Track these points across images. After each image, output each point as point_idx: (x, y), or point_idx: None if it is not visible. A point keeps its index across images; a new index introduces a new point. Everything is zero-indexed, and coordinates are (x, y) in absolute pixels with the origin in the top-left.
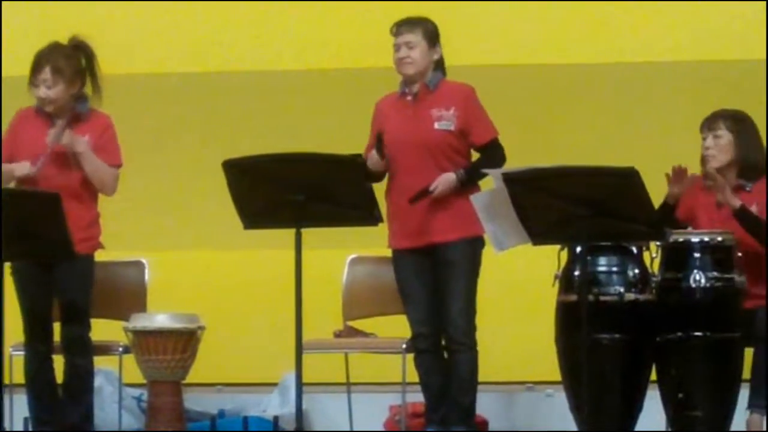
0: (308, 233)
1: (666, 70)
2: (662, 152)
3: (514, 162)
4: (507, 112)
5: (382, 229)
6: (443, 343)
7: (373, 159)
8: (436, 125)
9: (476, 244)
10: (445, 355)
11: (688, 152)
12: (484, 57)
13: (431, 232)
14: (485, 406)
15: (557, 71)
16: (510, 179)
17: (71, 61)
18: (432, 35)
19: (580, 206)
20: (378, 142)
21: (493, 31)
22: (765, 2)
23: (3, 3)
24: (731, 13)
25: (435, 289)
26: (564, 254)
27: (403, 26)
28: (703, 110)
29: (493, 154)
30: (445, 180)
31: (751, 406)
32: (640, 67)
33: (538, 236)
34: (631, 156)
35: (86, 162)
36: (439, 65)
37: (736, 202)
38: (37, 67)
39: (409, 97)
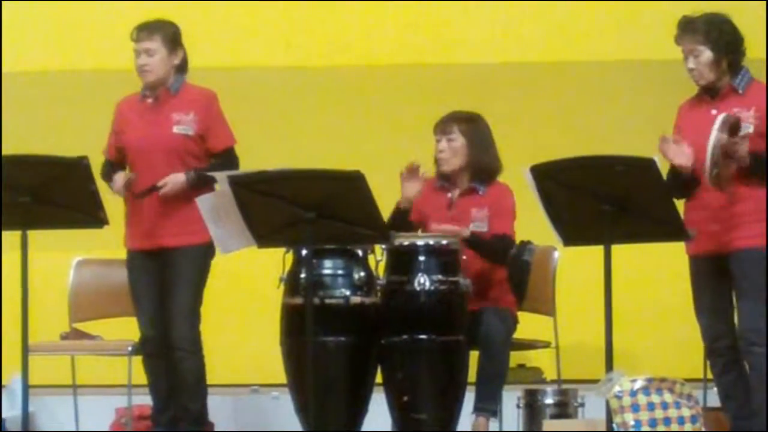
0: (34, 235)
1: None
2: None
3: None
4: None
5: (108, 231)
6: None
7: (119, 190)
8: (175, 129)
9: (204, 250)
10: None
11: None
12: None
13: (162, 235)
14: (211, 409)
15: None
16: (235, 182)
17: None
18: (172, 40)
19: (306, 209)
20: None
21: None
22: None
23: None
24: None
25: (163, 293)
26: (289, 257)
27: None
28: None
29: (227, 160)
30: (173, 179)
31: (477, 409)
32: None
33: (264, 239)
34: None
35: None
36: (182, 68)
37: (465, 233)
38: None
39: (150, 100)
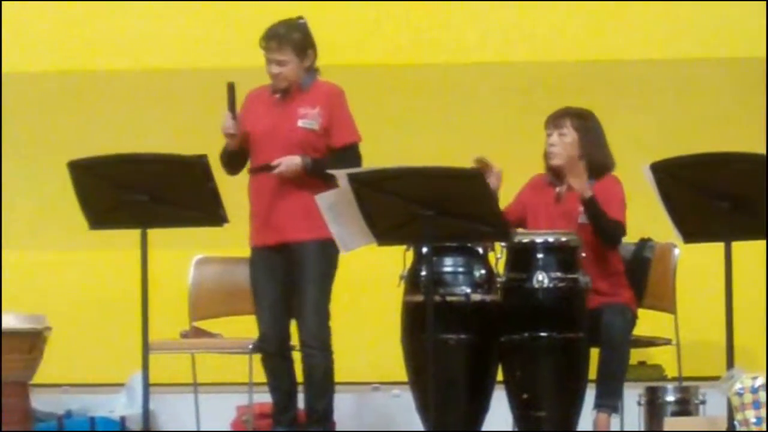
0: (154, 233)
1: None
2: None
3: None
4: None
5: (228, 230)
6: (298, 345)
7: (227, 122)
8: (300, 123)
9: (332, 244)
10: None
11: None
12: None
13: (287, 231)
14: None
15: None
16: (355, 179)
17: None
18: (302, 47)
19: (425, 206)
20: (229, 92)
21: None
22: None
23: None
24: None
25: (287, 290)
26: (409, 254)
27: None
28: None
29: (347, 156)
30: (289, 160)
31: (598, 405)
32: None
33: (384, 237)
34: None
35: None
36: (313, 66)
37: (588, 192)
38: None
39: (277, 94)
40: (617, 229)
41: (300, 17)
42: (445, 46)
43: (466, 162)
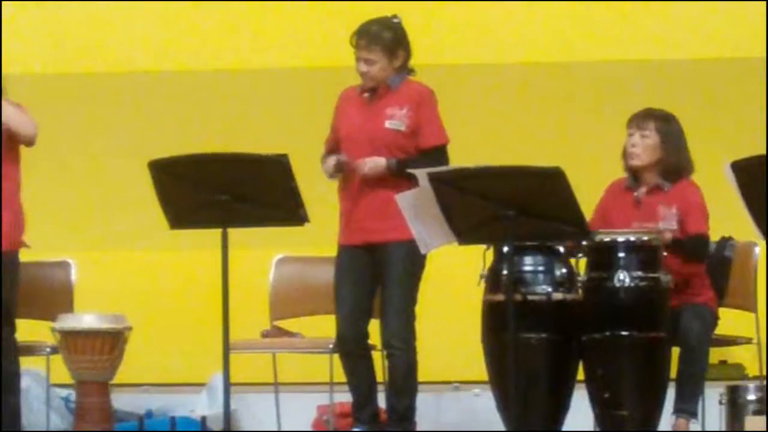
0: (234, 233)
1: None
2: None
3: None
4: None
5: (309, 229)
6: (380, 344)
7: (329, 169)
8: (387, 123)
9: (417, 246)
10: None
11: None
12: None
13: (373, 231)
14: None
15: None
16: (435, 179)
17: None
18: (392, 47)
19: (506, 206)
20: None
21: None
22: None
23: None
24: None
25: (369, 290)
26: (490, 253)
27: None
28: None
29: (435, 158)
30: (372, 161)
31: (677, 410)
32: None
33: (464, 236)
34: None
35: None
36: (404, 67)
37: (668, 236)
38: None
39: (366, 94)
40: (700, 246)
41: (394, 16)
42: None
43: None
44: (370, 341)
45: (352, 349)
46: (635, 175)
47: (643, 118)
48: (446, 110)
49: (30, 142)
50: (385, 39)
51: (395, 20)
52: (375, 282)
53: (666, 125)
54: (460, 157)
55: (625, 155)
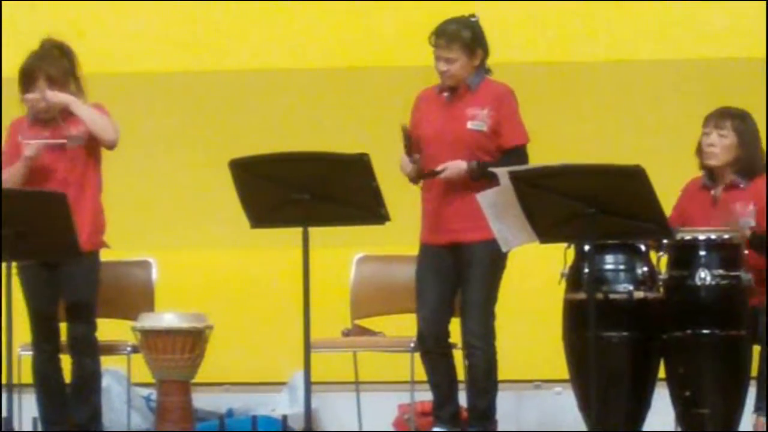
0: (315, 232)
1: (666, 69)
2: (664, 150)
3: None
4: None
5: (389, 228)
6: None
7: (403, 161)
8: (469, 124)
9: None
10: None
11: (691, 149)
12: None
13: (456, 231)
14: None
15: (560, 69)
16: (516, 177)
17: (60, 64)
18: (471, 45)
19: (587, 204)
20: (405, 138)
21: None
22: (765, 2)
23: (3, 3)
24: (731, 11)
25: (451, 289)
26: (570, 252)
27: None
28: (704, 108)
29: (516, 158)
30: (454, 165)
31: (758, 409)
32: (640, 66)
33: (545, 234)
34: (632, 153)
35: (80, 112)
36: (483, 65)
37: (747, 231)
38: (29, 77)
39: (445, 94)
40: None
41: (472, 15)
42: None
43: None
44: (451, 340)
45: (433, 347)
46: (711, 173)
47: (720, 117)
48: None
49: (111, 146)
50: (464, 37)
51: (473, 19)
52: (457, 281)
53: (742, 124)
54: None
55: (702, 154)
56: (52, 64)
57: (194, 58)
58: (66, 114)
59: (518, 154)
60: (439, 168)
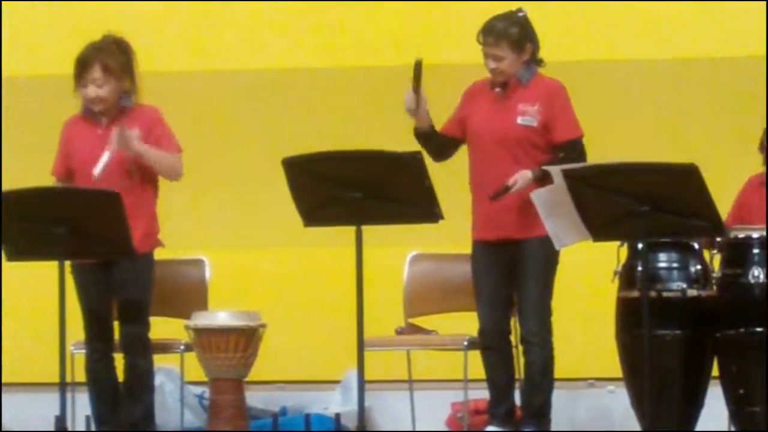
0: (368, 230)
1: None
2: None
3: None
4: None
5: (443, 226)
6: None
7: (408, 98)
8: (519, 120)
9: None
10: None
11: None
12: None
13: (510, 227)
14: None
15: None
16: (570, 175)
17: (118, 57)
18: (519, 42)
19: (640, 202)
20: (415, 69)
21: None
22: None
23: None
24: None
25: (507, 285)
26: (623, 250)
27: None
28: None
29: (570, 153)
30: (523, 177)
31: None
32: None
33: (599, 232)
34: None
35: (147, 158)
36: (532, 60)
37: None
38: (85, 66)
39: (498, 89)
40: None
41: (519, 10)
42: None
43: None
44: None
45: (493, 343)
46: None
47: None
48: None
49: (173, 181)
50: (511, 34)
51: (520, 14)
52: (513, 278)
53: None
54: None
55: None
56: (110, 55)
57: (257, 56)
58: (118, 111)
59: (574, 147)
60: (509, 183)
